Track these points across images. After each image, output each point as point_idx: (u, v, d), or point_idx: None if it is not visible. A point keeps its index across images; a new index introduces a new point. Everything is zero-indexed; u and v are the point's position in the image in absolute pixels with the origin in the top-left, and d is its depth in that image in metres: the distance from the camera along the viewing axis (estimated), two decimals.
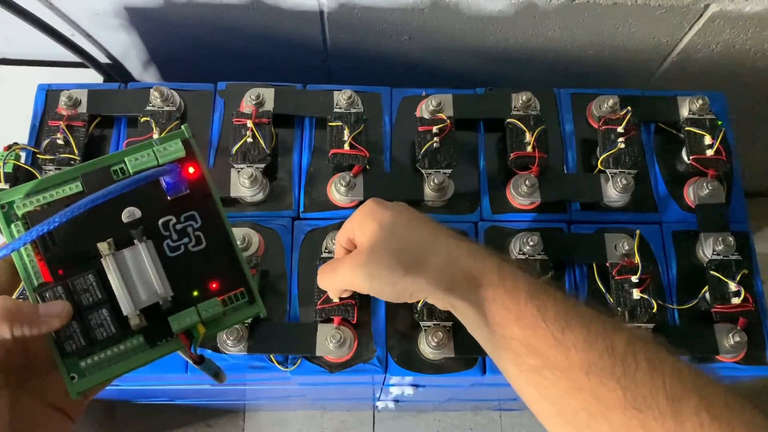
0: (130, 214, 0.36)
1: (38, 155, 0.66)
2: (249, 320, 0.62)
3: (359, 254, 0.47)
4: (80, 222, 0.33)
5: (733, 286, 0.64)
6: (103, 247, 0.35)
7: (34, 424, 0.34)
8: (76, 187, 0.36)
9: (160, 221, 0.36)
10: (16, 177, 0.67)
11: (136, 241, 0.35)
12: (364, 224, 0.48)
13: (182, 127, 0.38)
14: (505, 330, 0.41)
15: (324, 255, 0.63)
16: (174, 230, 0.37)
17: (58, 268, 0.35)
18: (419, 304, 0.62)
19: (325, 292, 0.62)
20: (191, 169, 0.37)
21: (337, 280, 0.49)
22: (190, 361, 0.40)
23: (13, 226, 0.35)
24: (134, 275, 0.35)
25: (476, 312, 0.43)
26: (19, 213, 0.35)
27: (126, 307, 0.35)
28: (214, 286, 0.37)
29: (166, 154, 0.37)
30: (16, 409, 0.33)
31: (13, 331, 0.31)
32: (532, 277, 0.44)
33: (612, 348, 0.38)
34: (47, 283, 0.35)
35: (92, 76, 0.84)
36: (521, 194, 0.67)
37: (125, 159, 0.36)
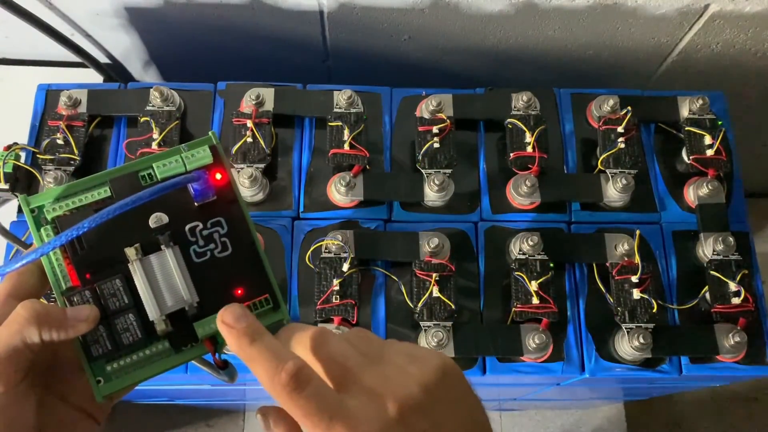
0: (157, 219, 0.36)
1: (38, 155, 0.66)
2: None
3: None
4: (108, 227, 0.33)
5: (733, 286, 0.64)
6: (130, 252, 0.35)
7: (60, 426, 0.34)
8: (104, 191, 0.36)
9: (187, 227, 0.37)
10: (16, 177, 0.67)
11: (163, 247, 0.36)
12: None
13: (209, 133, 0.38)
14: None
15: (324, 255, 0.63)
16: (200, 236, 0.37)
17: (86, 272, 0.35)
18: (420, 304, 0.62)
19: (326, 291, 0.62)
20: (218, 175, 0.37)
21: None
22: (210, 370, 0.40)
23: (42, 230, 0.35)
24: (161, 281, 0.35)
25: None
26: (49, 217, 0.35)
27: (152, 312, 0.35)
28: (239, 292, 0.37)
29: (193, 161, 0.37)
30: (42, 411, 0.33)
31: (41, 335, 0.31)
32: None
33: None
34: (75, 287, 0.35)
35: (92, 76, 0.84)
36: (521, 194, 0.67)
37: (153, 165, 0.37)
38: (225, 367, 0.39)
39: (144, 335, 0.35)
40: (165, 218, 0.36)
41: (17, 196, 0.66)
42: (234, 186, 0.38)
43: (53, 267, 0.35)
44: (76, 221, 0.32)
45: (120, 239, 0.35)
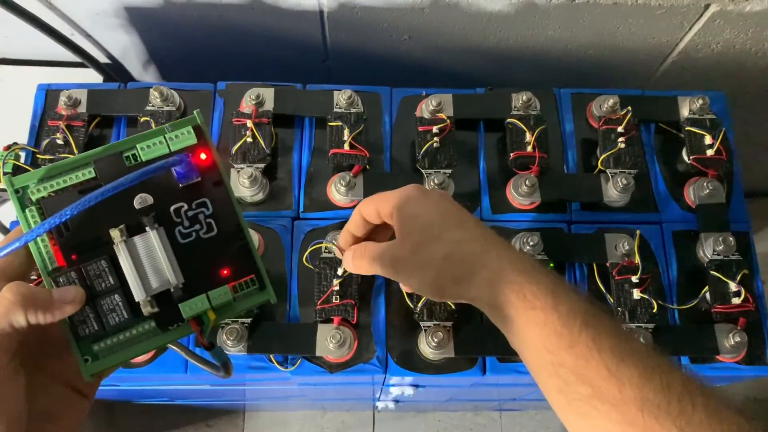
0: (142, 200, 0.36)
1: (38, 155, 0.66)
2: (249, 319, 0.62)
3: (401, 248, 0.46)
4: (93, 208, 0.34)
5: (733, 286, 0.64)
6: (115, 233, 0.35)
7: (51, 403, 0.35)
8: (89, 173, 0.36)
9: (172, 208, 0.37)
10: None
11: (147, 228, 0.36)
12: (407, 211, 0.46)
13: (194, 112, 0.38)
14: (555, 356, 0.40)
15: (324, 255, 0.63)
16: (185, 217, 0.37)
17: (71, 254, 0.35)
18: (420, 304, 0.62)
19: (326, 291, 0.62)
20: (203, 155, 0.37)
21: (371, 267, 0.48)
22: (191, 360, 0.40)
23: (27, 211, 0.36)
24: (145, 262, 0.36)
25: (525, 333, 0.42)
26: (33, 198, 0.36)
27: (138, 293, 0.35)
28: (224, 272, 0.37)
29: (177, 142, 0.37)
30: (32, 390, 0.33)
31: (27, 318, 0.32)
32: (587, 302, 0.42)
33: (668, 387, 0.37)
34: (61, 268, 0.35)
35: (92, 76, 0.84)
36: (521, 194, 0.67)
37: (137, 146, 0.37)
38: (211, 348, 0.39)
39: (130, 315, 0.36)
40: (150, 199, 0.36)
41: None
42: (220, 167, 0.37)
43: (39, 249, 0.35)
44: (61, 203, 0.33)
45: (105, 220, 0.36)
